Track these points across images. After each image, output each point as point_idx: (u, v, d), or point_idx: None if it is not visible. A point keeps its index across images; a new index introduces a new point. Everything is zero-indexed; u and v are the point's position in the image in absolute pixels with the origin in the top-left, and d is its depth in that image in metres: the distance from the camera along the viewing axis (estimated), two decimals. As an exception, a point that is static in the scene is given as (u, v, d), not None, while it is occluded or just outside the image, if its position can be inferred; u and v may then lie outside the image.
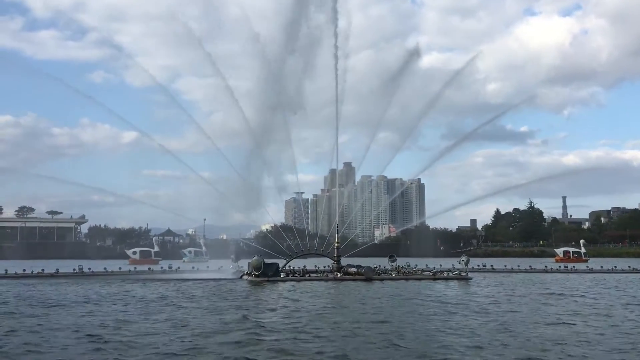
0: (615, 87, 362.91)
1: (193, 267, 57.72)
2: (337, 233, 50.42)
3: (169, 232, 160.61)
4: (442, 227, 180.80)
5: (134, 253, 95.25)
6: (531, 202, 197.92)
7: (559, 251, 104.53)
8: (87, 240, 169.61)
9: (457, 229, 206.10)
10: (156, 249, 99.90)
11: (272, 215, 63.19)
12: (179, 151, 61.59)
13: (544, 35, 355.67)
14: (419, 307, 25.31)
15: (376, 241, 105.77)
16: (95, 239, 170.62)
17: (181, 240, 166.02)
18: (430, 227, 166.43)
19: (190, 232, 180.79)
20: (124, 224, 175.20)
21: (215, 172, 58.78)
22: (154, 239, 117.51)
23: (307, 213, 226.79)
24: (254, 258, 43.71)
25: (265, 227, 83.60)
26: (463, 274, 46.86)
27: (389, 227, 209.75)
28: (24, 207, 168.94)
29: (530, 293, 33.65)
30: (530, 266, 61.61)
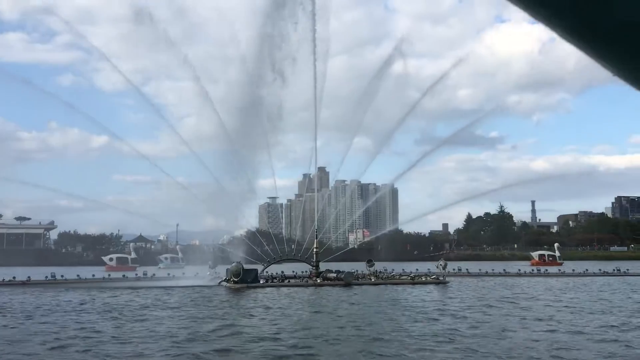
0: (583, 94, 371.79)
1: (169, 274, 56.74)
2: (316, 238, 50.36)
3: (141, 238, 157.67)
4: (415, 232, 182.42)
5: (111, 260, 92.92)
6: (502, 207, 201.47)
7: (535, 254, 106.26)
8: (54, 247, 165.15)
9: (429, 233, 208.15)
10: (133, 255, 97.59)
11: (247, 220, 62.90)
12: (150, 156, 60.65)
13: (514, 43, 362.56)
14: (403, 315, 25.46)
15: (355, 246, 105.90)
16: (64, 245, 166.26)
17: (153, 247, 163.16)
18: (404, 231, 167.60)
19: (162, 237, 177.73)
20: (93, 230, 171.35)
21: (189, 176, 58.19)
22: (130, 245, 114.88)
23: (282, 218, 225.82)
24: (233, 264, 43.19)
25: (240, 232, 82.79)
26: (440, 278, 47.37)
27: (363, 231, 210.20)
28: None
29: (507, 297, 34.21)
30: (504, 270, 62.57)
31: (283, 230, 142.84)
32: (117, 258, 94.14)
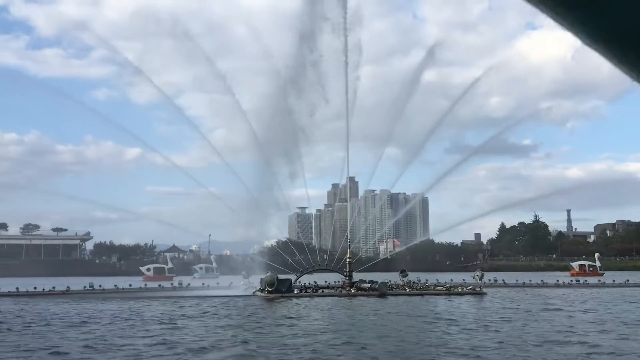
0: (617, 100, 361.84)
1: (203, 284, 57.27)
2: (349, 248, 50.17)
3: (174, 248, 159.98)
4: (447, 242, 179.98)
5: (148, 270, 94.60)
6: (536, 216, 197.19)
7: (575, 265, 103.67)
8: (89, 257, 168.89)
9: (461, 243, 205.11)
10: (170, 265, 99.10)
11: (277, 230, 63.13)
12: (180, 167, 61.58)
13: (546, 49, 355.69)
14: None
15: (388, 256, 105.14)
16: (99, 255, 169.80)
17: (185, 257, 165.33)
18: (435, 241, 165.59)
19: (194, 247, 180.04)
20: (128, 240, 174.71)
21: (220, 187, 58.79)
22: (167, 255, 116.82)
23: (311, 228, 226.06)
24: (268, 274, 43.31)
25: (270, 242, 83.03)
26: (477, 289, 46.52)
27: (394, 241, 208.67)
28: (29, 224, 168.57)
29: (550, 308, 33.37)
30: (542, 280, 61.06)
31: (313, 240, 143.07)
32: (155, 268, 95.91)
